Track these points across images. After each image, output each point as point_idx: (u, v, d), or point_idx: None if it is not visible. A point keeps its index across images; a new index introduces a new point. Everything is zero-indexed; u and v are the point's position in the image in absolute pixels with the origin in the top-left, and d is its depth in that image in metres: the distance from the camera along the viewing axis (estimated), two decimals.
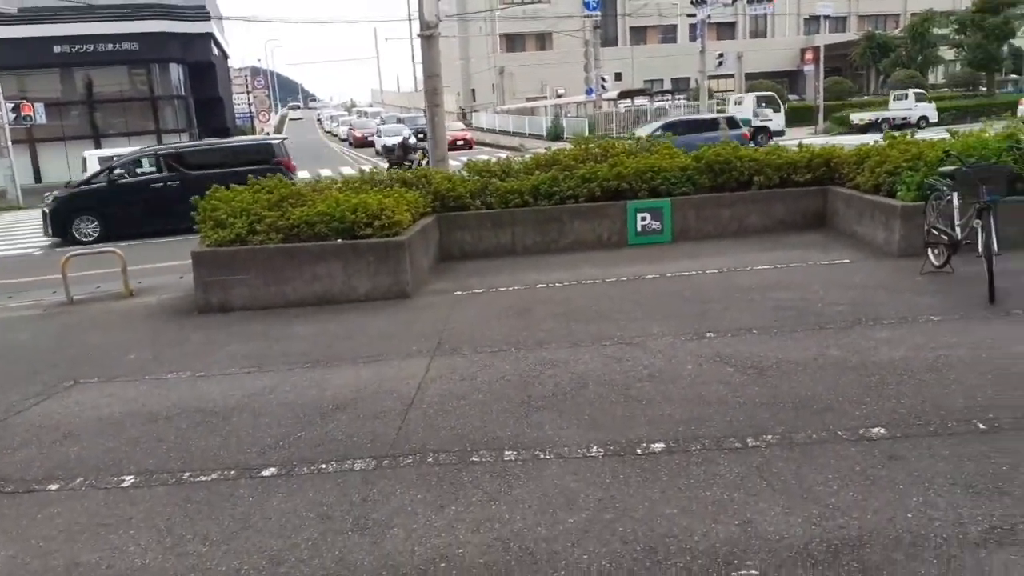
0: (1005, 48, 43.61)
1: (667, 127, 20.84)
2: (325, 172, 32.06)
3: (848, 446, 3.73)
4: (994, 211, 6.03)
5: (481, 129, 50.69)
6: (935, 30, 47.89)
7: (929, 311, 5.85)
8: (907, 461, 3.54)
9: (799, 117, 38.41)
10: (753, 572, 2.81)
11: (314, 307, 7.63)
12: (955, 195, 6.59)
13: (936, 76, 53.36)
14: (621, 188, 9.81)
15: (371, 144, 45.37)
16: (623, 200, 9.74)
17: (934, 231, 6.94)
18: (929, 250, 7.09)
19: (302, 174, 31.19)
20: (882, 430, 3.87)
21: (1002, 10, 41.87)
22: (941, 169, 6.94)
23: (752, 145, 15.30)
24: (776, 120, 32.54)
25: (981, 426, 3.85)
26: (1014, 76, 48.64)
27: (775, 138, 28.51)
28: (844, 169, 9.54)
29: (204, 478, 3.95)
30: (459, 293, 7.77)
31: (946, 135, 8.79)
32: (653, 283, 7.57)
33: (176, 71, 34.62)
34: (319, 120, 80.00)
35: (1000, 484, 3.29)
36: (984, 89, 44.15)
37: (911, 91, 36.32)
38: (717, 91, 48.87)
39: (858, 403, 4.21)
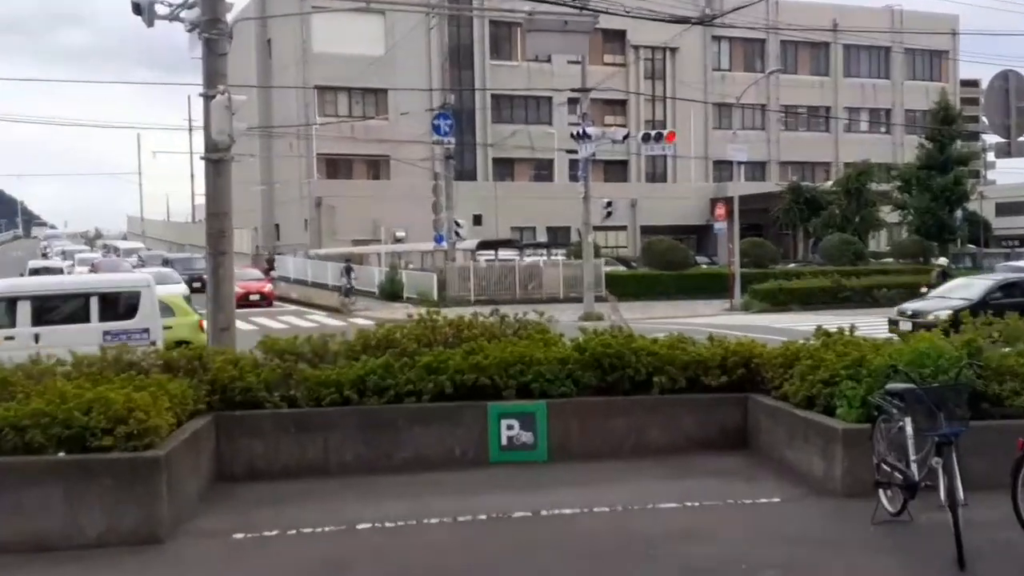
0: (959, 213, 48.21)
1: None
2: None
3: None
4: (956, 447, 6.51)
5: (287, 279, 50.79)
6: (873, 185, 52.11)
7: None
8: None
9: (709, 287, 39.47)
10: None
11: (19, 556, 7.08)
12: (908, 420, 7.08)
13: (879, 243, 57.80)
14: (480, 384, 9.95)
15: None
16: (483, 401, 9.88)
17: (885, 466, 7.38)
18: (881, 491, 7.50)
19: None
20: None
21: (951, 168, 46.68)
22: (888, 387, 7.49)
23: None
24: None
25: None
26: (972, 247, 53.33)
27: None
28: (768, 372, 10.08)
29: None
30: (240, 537, 7.49)
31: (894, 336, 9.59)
32: (523, 528, 7.58)
33: None
34: (45, 255, 77.37)
35: None
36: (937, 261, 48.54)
37: None
38: (604, 246, 51.09)
39: None
